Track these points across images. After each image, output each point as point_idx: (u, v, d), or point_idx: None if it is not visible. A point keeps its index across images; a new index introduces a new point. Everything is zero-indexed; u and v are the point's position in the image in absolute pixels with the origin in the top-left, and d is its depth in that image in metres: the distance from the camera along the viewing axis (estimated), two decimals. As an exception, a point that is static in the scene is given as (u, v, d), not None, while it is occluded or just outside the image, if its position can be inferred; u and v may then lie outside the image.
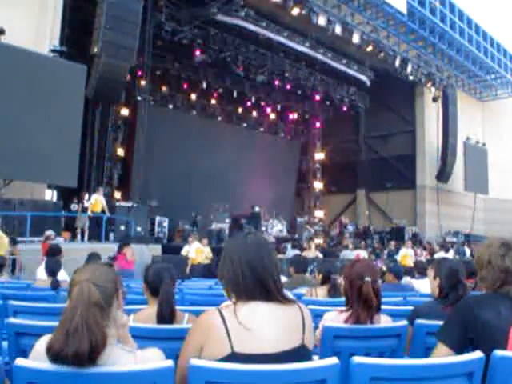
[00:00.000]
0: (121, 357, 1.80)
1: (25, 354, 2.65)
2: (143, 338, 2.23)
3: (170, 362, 1.83)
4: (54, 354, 1.69)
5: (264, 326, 1.94)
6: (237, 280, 2.04)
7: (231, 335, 1.89)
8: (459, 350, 2.36)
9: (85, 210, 15.37)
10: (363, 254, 15.05)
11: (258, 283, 2.02)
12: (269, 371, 1.82)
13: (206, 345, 1.93)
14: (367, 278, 3.00)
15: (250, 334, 1.90)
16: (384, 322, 3.09)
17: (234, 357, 1.88)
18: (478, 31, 26.46)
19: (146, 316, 3.10)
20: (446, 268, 3.46)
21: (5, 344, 2.97)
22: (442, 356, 2.35)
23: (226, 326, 1.91)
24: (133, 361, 1.81)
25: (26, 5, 13.62)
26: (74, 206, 16.29)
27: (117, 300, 1.92)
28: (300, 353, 1.97)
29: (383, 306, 3.18)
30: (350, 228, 26.20)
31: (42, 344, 1.83)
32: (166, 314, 3.00)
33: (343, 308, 3.16)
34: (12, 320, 3.03)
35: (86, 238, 15.06)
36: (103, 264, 2.03)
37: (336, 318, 3.10)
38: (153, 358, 1.87)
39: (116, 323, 1.90)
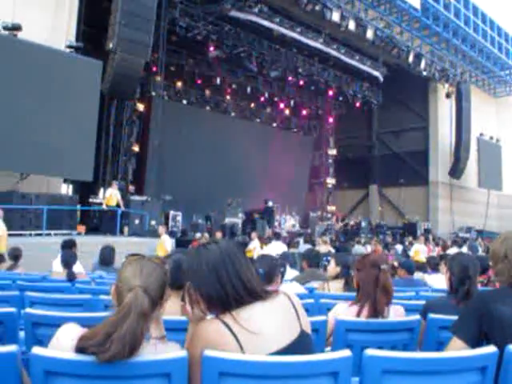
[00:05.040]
0: (142, 348, 1.81)
1: (41, 343, 2.69)
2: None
3: (184, 353, 1.83)
4: (83, 348, 1.68)
5: (265, 325, 1.91)
6: (225, 294, 1.96)
7: (241, 342, 1.85)
8: (474, 345, 2.34)
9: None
10: (368, 248, 15.19)
11: (246, 289, 1.98)
12: (282, 362, 1.82)
13: None
14: (383, 266, 3.01)
15: (257, 338, 1.88)
16: (394, 311, 3.10)
17: None
18: (492, 26, 26.29)
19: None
20: (457, 263, 3.45)
21: (22, 334, 3.02)
22: (457, 350, 2.32)
23: (233, 333, 1.86)
24: (153, 352, 1.82)
25: (42, 1, 13.70)
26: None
27: (160, 305, 1.91)
28: (303, 339, 1.98)
29: (395, 300, 3.18)
30: (363, 223, 26.14)
31: (65, 332, 1.81)
32: None
33: (353, 301, 3.17)
34: (29, 310, 3.06)
35: None
36: (157, 264, 1.95)
37: (346, 310, 3.10)
38: (171, 351, 1.87)
39: (151, 320, 1.89)
